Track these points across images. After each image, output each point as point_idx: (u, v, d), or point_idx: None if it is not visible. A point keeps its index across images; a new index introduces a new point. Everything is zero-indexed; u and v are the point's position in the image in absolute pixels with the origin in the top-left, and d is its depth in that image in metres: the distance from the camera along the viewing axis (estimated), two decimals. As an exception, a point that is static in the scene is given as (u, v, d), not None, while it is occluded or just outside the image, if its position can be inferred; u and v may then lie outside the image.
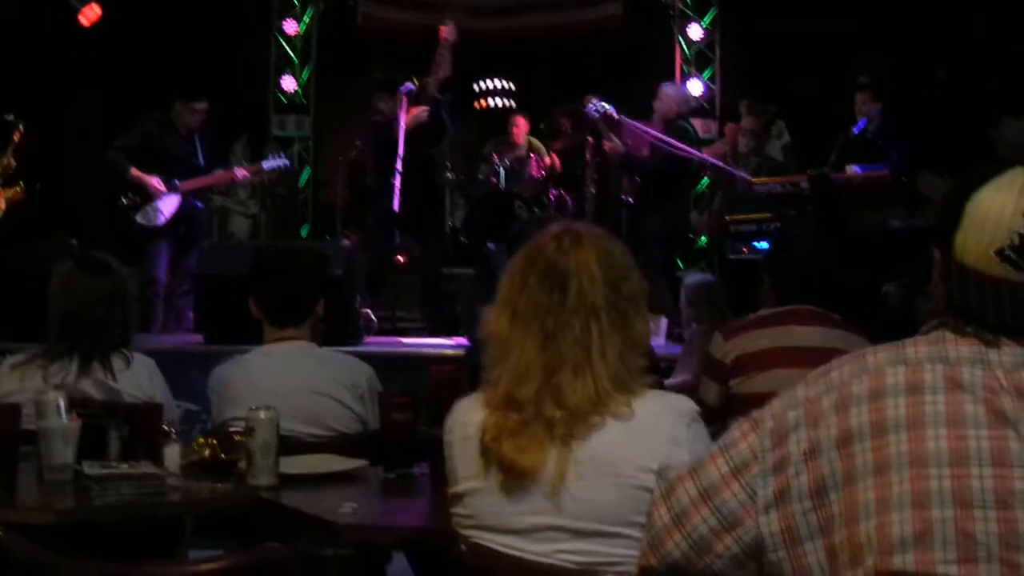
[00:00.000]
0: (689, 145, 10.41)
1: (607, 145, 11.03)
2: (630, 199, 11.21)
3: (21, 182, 10.49)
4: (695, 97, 13.47)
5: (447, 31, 10.72)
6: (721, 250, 10.92)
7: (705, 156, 11.16)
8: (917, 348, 2.28)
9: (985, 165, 2.30)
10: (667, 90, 10.87)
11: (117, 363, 4.66)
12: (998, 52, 10.64)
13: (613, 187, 12.38)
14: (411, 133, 10.57)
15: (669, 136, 10.30)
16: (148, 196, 10.53)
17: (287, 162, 11.60)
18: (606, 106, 10.88)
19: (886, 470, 2.16)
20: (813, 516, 2.24)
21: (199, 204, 11.08)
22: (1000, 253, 2.21)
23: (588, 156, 11.75)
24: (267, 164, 11.41)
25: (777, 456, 2.30)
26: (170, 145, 10.69)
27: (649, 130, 10.52)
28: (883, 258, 8.53)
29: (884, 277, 8.36)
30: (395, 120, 10.61)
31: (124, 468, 3.93)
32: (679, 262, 12.12)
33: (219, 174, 11.05)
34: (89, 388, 4.54)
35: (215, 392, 4.82)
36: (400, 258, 11.49)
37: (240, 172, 11.15)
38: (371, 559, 4.47)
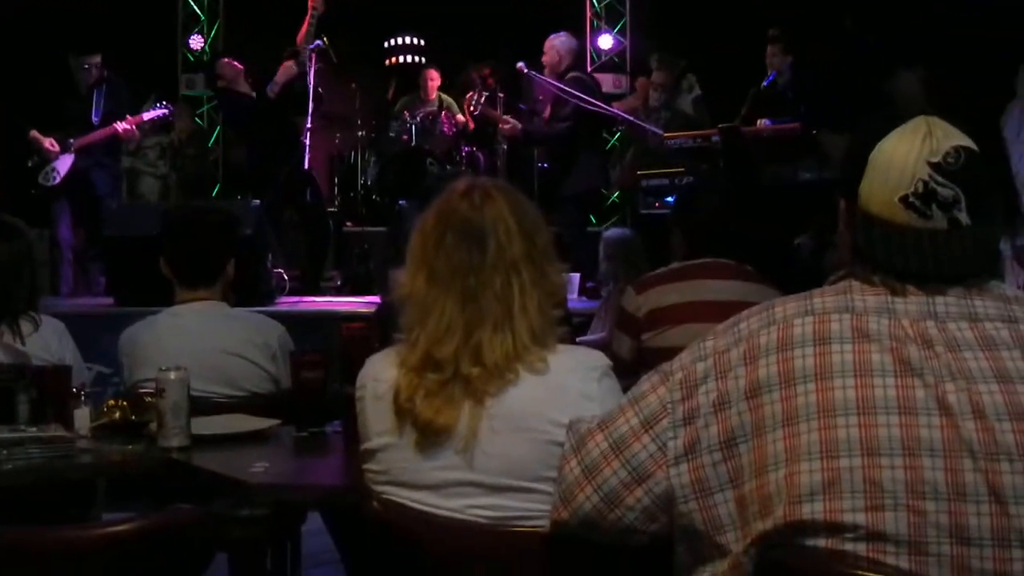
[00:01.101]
0: (594, 97, 10.45)
1: (503, 128, 11.27)
2: (545, 164, 11.31)
3: None
4: (593, 48, 13.58)
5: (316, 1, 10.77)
6: (633, 205, 10.95)
7: (616, 111, 11.19)
8: (824, 299, 2.30)
9: (888, 115, 2.32)
10: (553, 42, 10.87)
11: (25, 326, 4.59)
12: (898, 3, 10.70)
13: (524, 147, 12.46)
14: (281, 92, 10.71)
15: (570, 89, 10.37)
16: (45, 157, 10.48)
17: (167, 110, 11.45)
18: (484, 94, 11.33)
19: (794, 420, 2.17)
20: (723, 467, 2.25)
21: (101, 163, 10.96)
22: (904, 200, 2.22)
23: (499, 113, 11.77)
24: (147, 115, 11.20)
25: (686, 408, 2.32)
26: (67, 104, 10.64)
27: (559, 84, 10.53)
28: (794, 210, 8.59)
29: (795, 229, 8.42)
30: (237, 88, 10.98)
31: (33, 432, 3.88)
32: (592, 218, 12.16)
33: (104, 129, 10.87)
34: (-4, 352, 4.48)
35: (125, 354, 4.78)
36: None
37: (121, 126, 10.90)
38: (285, 519, 4.46)
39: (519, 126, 11.07)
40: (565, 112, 10.50)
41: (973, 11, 10.07)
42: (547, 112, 10.76)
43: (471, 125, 12.38)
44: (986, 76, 8.90)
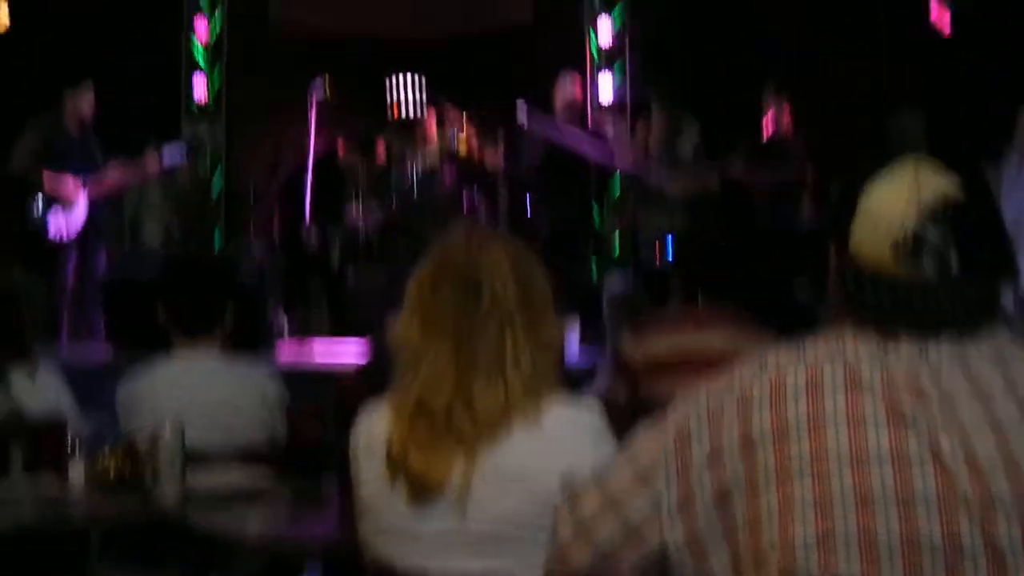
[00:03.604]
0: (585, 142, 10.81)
1: (489, 163, 11.55)
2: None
3: None
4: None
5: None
6: (634, 251, 10.97)
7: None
8: (816, 348, 2.28)
9: (878, 158, 2.31)
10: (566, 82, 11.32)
11: (20, 376, 4.59)
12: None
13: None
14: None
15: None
16: (63, 202, 10.16)
17: (184, 148, 11.42)
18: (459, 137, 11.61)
19: (788, 472, 2.15)
20: (717, 522, 2.22)
21: (107, 207, 10.86)
22: (895, 248, 2.21)
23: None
24: (167, 160, 10.95)
25: (680, 462, 2.29)
26: (66, 146, 10.27)
27: (557, 130, 10.68)
28: (794, 258, 8.60)
29: (795, 277, 8.43)
30: None
31: (25, 485, 3.86)
32: (594, 268, 12.19)
33: (129, 171, 10.59)
34: (-10, 403, 4.46)
35: (122, 405, 4.75)
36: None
37: (152, 164, 10.68)
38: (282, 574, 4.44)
39: (501, 164, 11.43)
40: (537, 154, 10.83)
41: (974, 51, 10.11)
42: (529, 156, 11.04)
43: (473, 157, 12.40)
44: (987, 118, 8.90)
